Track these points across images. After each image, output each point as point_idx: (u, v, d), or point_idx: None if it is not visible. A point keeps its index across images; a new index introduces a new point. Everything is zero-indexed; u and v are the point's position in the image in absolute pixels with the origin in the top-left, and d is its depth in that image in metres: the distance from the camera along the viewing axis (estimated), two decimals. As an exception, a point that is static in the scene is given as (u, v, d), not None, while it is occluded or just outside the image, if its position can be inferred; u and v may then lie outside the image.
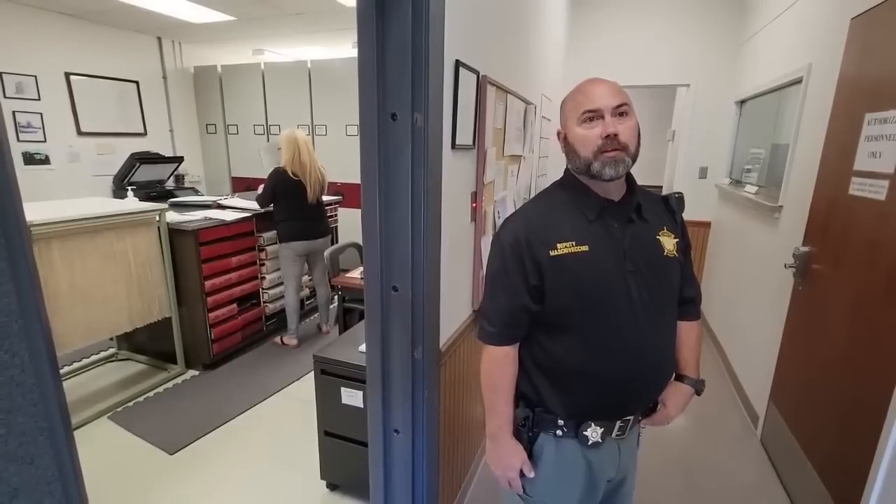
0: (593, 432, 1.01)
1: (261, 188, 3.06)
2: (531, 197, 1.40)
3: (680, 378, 1.12)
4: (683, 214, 1.10)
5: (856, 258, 1.64)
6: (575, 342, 0.98)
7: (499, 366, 1.04)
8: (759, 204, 2.68)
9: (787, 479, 2.04)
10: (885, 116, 1.52)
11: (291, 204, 3.03)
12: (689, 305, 1.14)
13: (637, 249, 0.98)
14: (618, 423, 1.03)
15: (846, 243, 1.71)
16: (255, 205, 3.11)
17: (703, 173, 4.01)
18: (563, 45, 3.79)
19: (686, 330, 1.13)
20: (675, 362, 1.12)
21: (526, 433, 1.06)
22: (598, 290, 0.96)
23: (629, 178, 1.03)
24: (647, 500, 1.79)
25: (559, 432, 1.02)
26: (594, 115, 0.94)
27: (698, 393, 1.11)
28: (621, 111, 0.94)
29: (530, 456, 1.06)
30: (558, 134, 1.03)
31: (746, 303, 2.83)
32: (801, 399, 1.99)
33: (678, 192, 1.11)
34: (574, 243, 0.96)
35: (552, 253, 0.95)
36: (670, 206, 1.07)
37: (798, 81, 2.33)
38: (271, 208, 3.09)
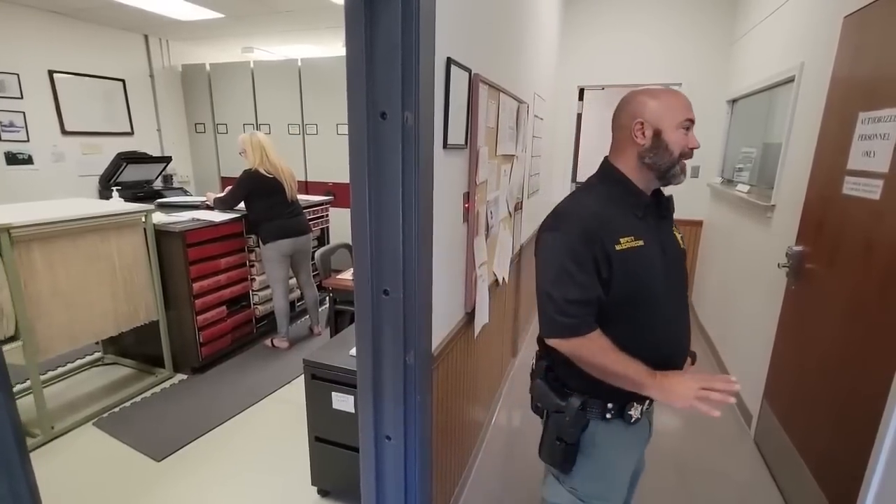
0: (636, 410, 1.10)
1: (226, 190, 3.01)
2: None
3: None
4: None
5: (849, 258, 1.64)
6: (627, 330, 1.04)
7: (599, 346, 1.02)
8: (752, 203, 2.68)
9: (780, 478, 2.04)
10: (879, 115, 1.51)
11: (271, 203, 2.98)
12: None
13: (668, 243, 1.11)
14: (648, 400, 1.12)
15: (840, 243, 1.71)
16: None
17: (696, 172, 4.01)
18: (556, 43, 3.78)
19: None
20: None
21: (581, 420, 1.10)
22: (652, 281, 1.05)
23: None
24: (640, 500, 1.78)
25: (608, 415, 1.09)
26: (690, 126, 1.05)
27: (693, 362, 1.21)
28: None
29: (579, 443, 1.11)
30: (642, 125, 1.04)
31: (739, 302, 2.84)
32: (794, 398, 1.98)
33: (669, 194, 1.18)
34: (633, 238, 1.03)
35: (617, 247, 1.01)
36: (672, 205, 1.17)
37: (790, 80, 2.33)
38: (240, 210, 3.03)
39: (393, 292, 1.23)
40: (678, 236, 1.17)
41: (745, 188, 2.93)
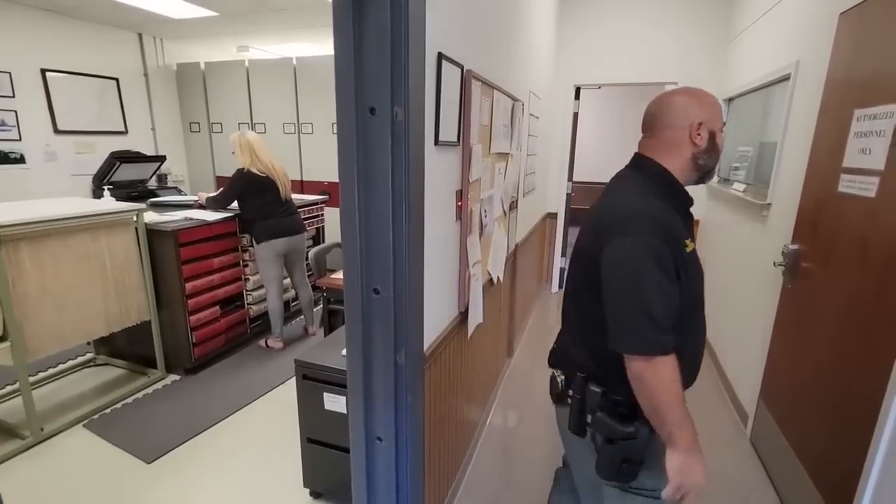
0: None
1: (219, 190, 2.99)
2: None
3: None
4: None
5: (846, 256, 1.62)
6: (681, 333, 0.95)
7: (676, 373, 0.93)
8: (748, 202, 2.67)
9: (777, 478, 2.02)
10: (875, 112, 1.50)
11: (264, 202, 2.95)
12: None
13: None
14: None
15: (836, 241, 1.69)
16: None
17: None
18: (552, 42, 3.76)
19: None
20: None
21: (651, 441, 1.02)
22: (702, 286, 1.07)
23: None
24: None
25: None
26: (723, 128, 1.09)
27: None
28: None
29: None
30: (699, 126, 1.03)
31: (736, 301, 2.82)
32: (791, 398, 1.97)
33: None
34: (690, 240, 1.01)
35: (687, 249, 0.98)
36: None
37: (786, 78, 2.32)
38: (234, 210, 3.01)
39: (383, 291, 1.21)
40: None
41: (742, 187, 2.92)
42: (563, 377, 1.14)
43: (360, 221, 1.16)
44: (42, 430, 2.25)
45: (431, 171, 1.32)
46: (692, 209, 1.14)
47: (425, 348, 1.40)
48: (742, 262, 2.77)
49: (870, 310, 1.46)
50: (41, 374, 2.78)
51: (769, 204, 2.37)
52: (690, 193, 1.11)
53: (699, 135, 1.03)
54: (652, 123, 1.09)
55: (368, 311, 1.23)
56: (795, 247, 1.97)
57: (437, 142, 1.31)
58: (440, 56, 1.26)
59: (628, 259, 0.93)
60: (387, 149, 1.10)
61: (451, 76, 1.34)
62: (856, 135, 1.60)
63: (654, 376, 0.92)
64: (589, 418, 1.06)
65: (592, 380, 1.06)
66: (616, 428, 1.01)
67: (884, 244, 1.41)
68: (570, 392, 1.10)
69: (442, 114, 1.31)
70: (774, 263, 2.09)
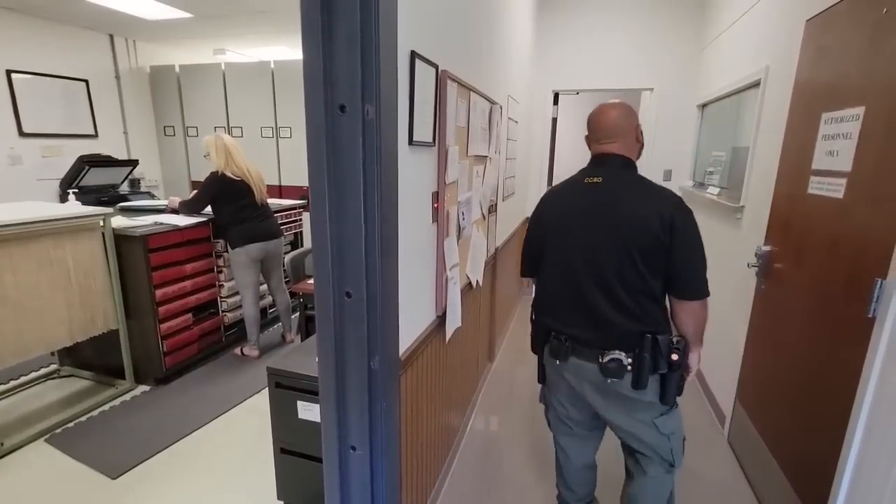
0: None
1: (192, 194, 2.92)
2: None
3: None
4: None
5: (816, 256, 1.65)
6: None
7: None
8: (722, 205, 2.72)
9: (753, 478, 2.04)
10: (841, 115, 1.53)
11: (240, 206, 2.88)
12: None
13: None
14: None
15: (806, 241, 1.72)
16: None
17: (668, 175, 4.07)
18: (530, 47, 3.79)
19: None
20: None
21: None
22: None
23: None
24: (614, 502, 1.75)
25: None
26: None
27: None
28: None
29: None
30: (637, 127, 1.42)
31: (712, 304, 2.85)
32: (765, 398, 1.99)
33: None
34: None
35: None
36: None
37: (756, 84, 2.37)
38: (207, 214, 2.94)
39: (355, 294, 1.17)
40: None
41: (716, 191, 2.97)
42: (618, 353, 1.33)
43: (330, 222, 1.13)
44: (2, 444, 2.14)
45: (406, 171, 1.29)
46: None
47: (401, 353, 1.37)
48: (717, 264, 2.80)
49: (840, 308, 1.48)
50: (0, 387, 2.64)
51: (742, 207, 2.42)
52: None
53: (641, 134, 1.44)
54: (615, 131, 1.38)
55: (340, 314, 1.19)
56: (767, 248, 2.01)
57: (411, 141, 1.29)
58: (413, 54, 1.24)
59: (695, 228, 1.31)
60: (358, 147, 1.08)
61: (425, 75, 1.32)
62: (823, 137, 1.63)
63: (706, 309, 1.40)
64: (661, 364, 1.32)
65: (659, 334, 1.32)
66: (683, 359, 1.35)
67: (852, 244, 1.44)
68: (630, 360, 1.33)
69: (416, 113, 1.28)
70: (748, 265, 2.11)
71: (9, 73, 4.01)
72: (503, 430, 2.50)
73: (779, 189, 1.99)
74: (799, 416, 1.69)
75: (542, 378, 1.59)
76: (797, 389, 1.72)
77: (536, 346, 1.55)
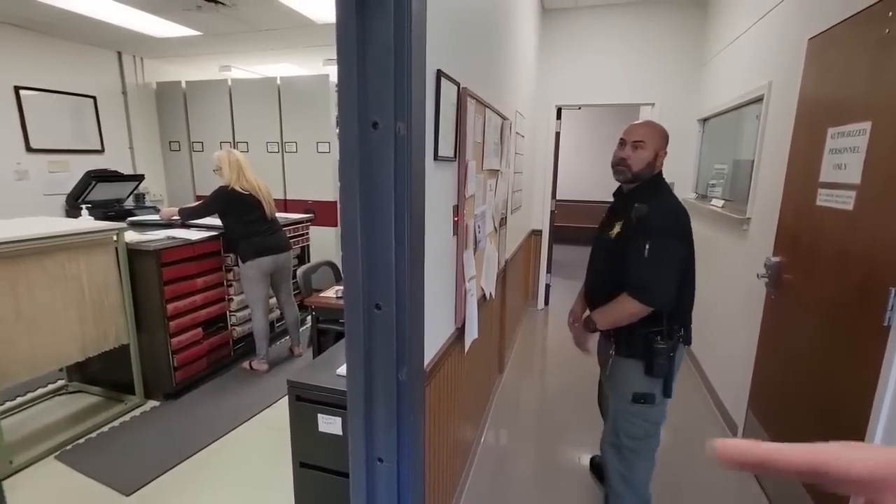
0: None
1: (197, 203, 2.95)
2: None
3: None
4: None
5: (827, 266, 1.69)
6: None
7: None
8: (727, 216, 2.76)
9: (769, 488, 2.04)
10: (847, 130, 1.58)
11: (250, 220, 2.91)
12: None
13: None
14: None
15: (816, 252, 1.76)
16: (217, 221, 2.98)
17: (671, 189, 4.12)
18: (534, 63, 3.87)
19: None
20: None
21: None
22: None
23: None
24: None
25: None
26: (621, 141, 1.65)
27: None
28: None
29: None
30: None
31: (719, 313, 2.89)
32: (778, 407, 2.01)
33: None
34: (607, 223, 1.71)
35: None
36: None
37: (759, 99, 2.43)
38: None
39: (385, 306, 1.19)
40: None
41: (720, 203, 3.02)
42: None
43: (361, 236, 1.15)
44: (11, 462, 2.11)
45: (430, 185, 1.32)
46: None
47: (425, 365, 1.38)
48: (724, 275, 2.85)
49: (852, 317, 1.51)
50: (9, 403, 2.62)
51: (749, 218, 2.46)
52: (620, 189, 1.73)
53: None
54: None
55: (370, 327, 1.21)
56: (777, 259, 2.04)
57: (436, 157, 1.33)
58: (439, 73, 1.28)
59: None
60: (390, 163, 1.11)
61: (449, 93, 1.36)
62: (830, 151, 1.68)
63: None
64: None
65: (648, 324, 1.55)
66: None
67: (863, 254, 1.48)
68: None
69: (441, 129, 1.32)
70: (757, 275, 2.15)
71: (17, 89, 4.05)
72: (516, 444, 2.49)
73: (786, 201, 2.03)
74: (814, 425, 1.71)
75: (669, 392, 1.59)
76: (811, 398, 1.74)
77: (670, 372, 1.56)
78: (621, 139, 1.62)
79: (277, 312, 3.45)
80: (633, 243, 1.51)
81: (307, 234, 3.97)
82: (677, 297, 1.51)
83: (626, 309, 1.52)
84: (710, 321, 3.03)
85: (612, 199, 1.76)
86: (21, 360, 2.10)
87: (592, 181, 7.72)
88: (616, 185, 1.72)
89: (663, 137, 1.62)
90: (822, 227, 1.73)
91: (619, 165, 1.62)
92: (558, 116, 4.39)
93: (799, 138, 1.96)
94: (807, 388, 1.77)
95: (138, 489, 2.01)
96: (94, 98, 4.62)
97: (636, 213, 1.52)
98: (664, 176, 1.67)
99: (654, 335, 1.54)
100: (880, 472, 0.21)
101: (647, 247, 1.47)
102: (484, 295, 2.16)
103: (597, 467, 2.15)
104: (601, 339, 1.80)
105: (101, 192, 4.34)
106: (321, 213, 4.53)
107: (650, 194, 1.58)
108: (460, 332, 1.73)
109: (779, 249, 2.07)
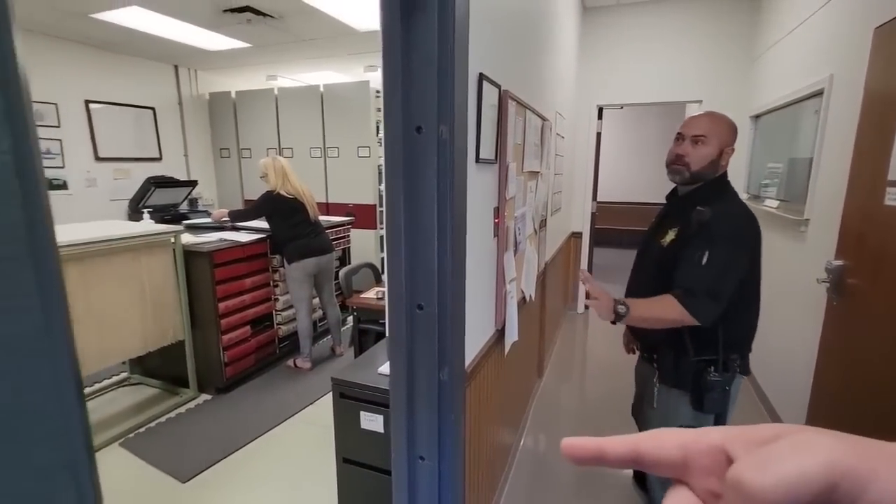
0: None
1: (245, 206, 3.08)
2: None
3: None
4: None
5: (897, 271, 1.57)
6: None
7: None
8: (783, 218, 2.62)
9: None
10: (921, 124, 1.47)
11: (294, 222, 3.03)
12: None
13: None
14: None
15: (885, 255, 1.64)
16: (264, 224, 3.13)
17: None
18: (574, 62, 3.81)
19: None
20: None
21: None
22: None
23: None
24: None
25: None
26: (678, 137, 1.42)
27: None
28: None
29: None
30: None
31: (776, 320, 2.73)
32: (840, 422, 1.88)
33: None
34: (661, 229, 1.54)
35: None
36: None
37: (818, 94, 2.30)
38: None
39: (427, 307, 1.21)
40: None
41: (775, 203, 2.86)
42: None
43: (405, 237, 1.18)
44: (80, 448, 2.28)
45: (472, 187, 1.34)
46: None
47: (466, 365, 1.39)
48: (779, 279, 2.69)
49: (929, 326, 1.40)
50: (78, 393, 2.84)
51: (807, 219, 2.32)
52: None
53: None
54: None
55: (412, 327, 1.24)
56: (840, 262, 1.92)
57: (478, 159, 1.34)
58: (481, 77, 1.29)
59: None
60: (433, 166, 1.13)
61: (490, 96, 1.37)
62: (901, 147, 1.56)
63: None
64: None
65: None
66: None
67: (940, 257, 1.36)
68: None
69: (482, 132, 1.33)
70: (818, 280, 2.02)
71: (87, 102, 4.38)
72: (554, 448, 2.46)
73: (850, 201, 1.90)
74: (883, 439, 1.59)
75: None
76: (880, 412, 1.62)
77: (724, 408, 1.42)
78: (678, 133, 1.39)
79: (320, 312, 3.56)
80: (689, 249, 1.32)
81: (348, 236, 4.07)
82: (738, 321, 1.34)
83: (666, 311, 1.31)
84: (765, 328, 2.84)
85: (662, 202, 1.56)
86: (91, 353, 2.27)
87: (634, 181, 7.50)
88: (669, 186, 1.50)
89: (730, 130, 1.37)
90: (891, 227, 1.61)
91: (674, 164, 1.37)
92: (599, 116, 4.30)
93: (864, 134, 1.83)
94: (874, 402, 1.65)
95: (192, 477, 2.13)
96: (153, 109, 4.93)
97: (697, 217, 1.30)
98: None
99: (705, 364, 1.35)
100: (683, 452, 0.22)
101: (707, 254, 1.28)
102: (524, 297, 2.14)
103: (640, 476, 2.08)
104: (641, 363, 1.67)
105: (159, 197, 4.63)
106: (361, 216, 4.64)
107: (714, 197, 1.34)
108: (500, 333, 1.73)
109: (842, 252, 1.94)
